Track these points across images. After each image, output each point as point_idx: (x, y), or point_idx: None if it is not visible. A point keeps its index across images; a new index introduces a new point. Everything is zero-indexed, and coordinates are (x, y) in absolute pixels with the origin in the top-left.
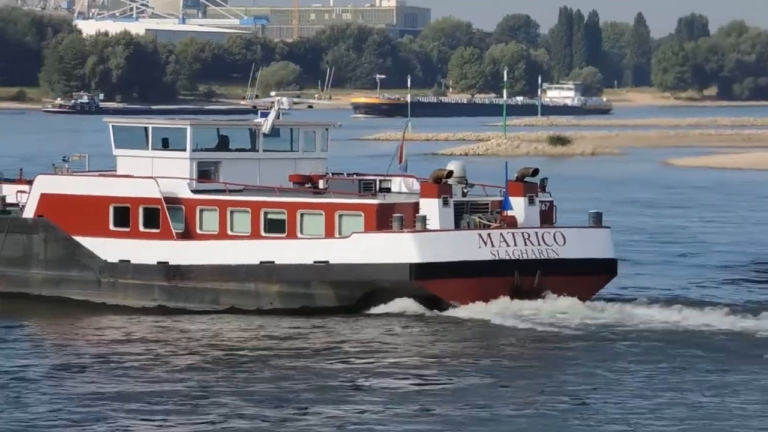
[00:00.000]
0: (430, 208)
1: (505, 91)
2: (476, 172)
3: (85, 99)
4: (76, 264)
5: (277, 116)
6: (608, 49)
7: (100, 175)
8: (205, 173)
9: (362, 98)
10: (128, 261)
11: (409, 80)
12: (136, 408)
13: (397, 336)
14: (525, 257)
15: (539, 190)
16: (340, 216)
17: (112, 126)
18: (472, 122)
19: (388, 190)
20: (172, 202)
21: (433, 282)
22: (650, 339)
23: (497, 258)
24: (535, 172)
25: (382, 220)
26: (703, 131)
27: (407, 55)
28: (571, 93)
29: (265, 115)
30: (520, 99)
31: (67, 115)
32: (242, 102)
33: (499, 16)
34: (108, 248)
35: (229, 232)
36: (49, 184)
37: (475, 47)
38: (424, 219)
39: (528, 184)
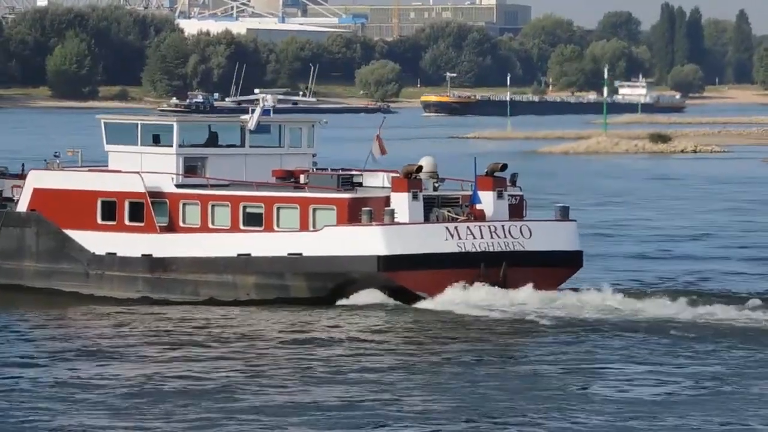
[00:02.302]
0: (400, 201)
1: (605, 89)
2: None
3: (199, 98)
4: (65, 257)
5: (265, 113)
6: (710, 47)
7: (89, 170)
8: (191, 168)
9: (432, 97)
10: (114, 254)
11: (508, 78)
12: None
13: (366, 326)
14: (491, 249)
15: (509, 184)
16: (314, 210)
17: (104, 122)
18: (563, 120)
19: (360, 184)
20: (157, 196)
21: (400, 273)
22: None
23: (463, 250)
24: (504, 167)
25: (354, 213)
26: None
27: (507, 53)
28: (643, 90)
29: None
30: (592, 97)
31: (183, 114)
32: (227, 99)
33: (600, 13)
34: (96, 241)
35: (210, 226)
36: (41, 179)
37: (575, 45)
38: (392, 212)
39: (497, 178)
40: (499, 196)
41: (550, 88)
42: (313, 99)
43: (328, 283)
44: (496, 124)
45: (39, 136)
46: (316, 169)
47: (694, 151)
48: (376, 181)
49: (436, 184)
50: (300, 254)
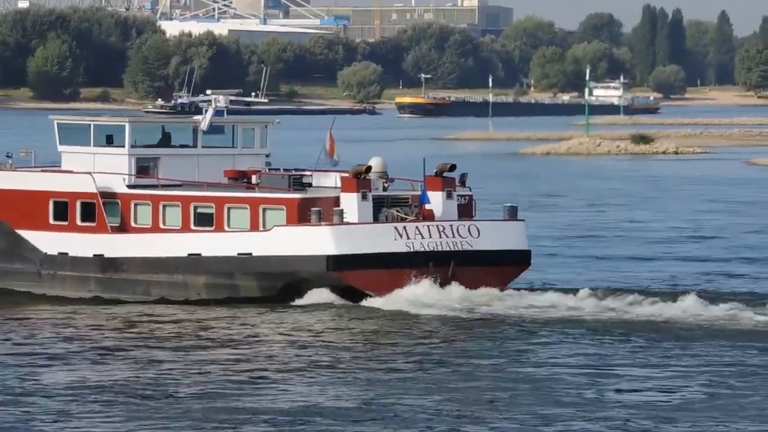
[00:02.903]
0: (350, 202)
1: (587, 90)
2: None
3: (184, 99)
4: (18, 257)
5: (219, 114)
6: (691, 48)
7: (41, 171)
8: (144, 169)
9: (407, 98)
10: (66, 254)
11: (490, 80)
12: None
13: (315, 325)
14: (439, 249)
15: (459, 184)
16: (264, 210)
17: (57, 123)
18: (536, 122)
19: (310, 185)
20: (108, 196)
21: (349, 273)
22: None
23: (412, 250)
24: (453, 167)
25: (304, 213)
26: None
27: (489, 55)
28: (618, 92)
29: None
30: (566, 98)
31: (167, 115)
32: (179, 100)
33: (582, 15)
34: (48, 241)
35: (162, 226)
36: None
37: (557, 46)
38: (341, 212)
39: (446, 179)
40: (448, 196)
41: (532, 89)
42: (266, 100)
43: (277, 282)
44: (471, 125)
45: (23, 137)
46: (269, 169)
47: (676, 153)
48: (329, 182)
49: (386, 184)
50: (250, 254)
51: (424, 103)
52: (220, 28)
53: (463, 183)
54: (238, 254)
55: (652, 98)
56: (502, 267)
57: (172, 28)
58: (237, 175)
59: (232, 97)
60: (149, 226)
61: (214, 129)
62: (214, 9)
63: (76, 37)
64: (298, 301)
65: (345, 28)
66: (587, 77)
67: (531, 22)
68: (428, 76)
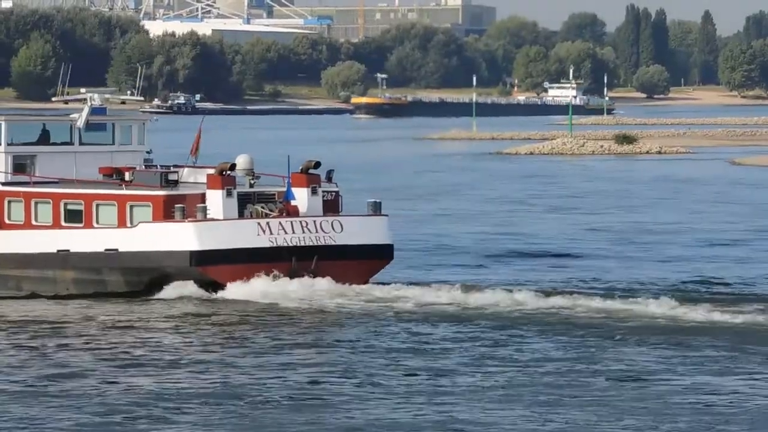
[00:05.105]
0: (214, 198)
1: (573, 90)
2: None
3: (181, 100)
4: None
5: (98, 111)
6: (675, 48)
7: None
8: (20, 166)
9: (363, 98)
10: None
11: (474, 79)
12: None
13: (176, 318)
14: (302, 244)
15: (326, 180)
16: (131, 207)
17: None
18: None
19: (176, 182)
20: None
21: (212, 268)
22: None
23: (275, 245)
24: (317, 164)
25: (169, 210)
26: None
27: (473, 55)
28: (573, 92)
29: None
30: (522, 98)
31: (164, 115)
32: (53, 99)
33: (565, 14)
34: None
35: (34, 223)
36: None
37: (540, 46)
38: (204, 209)
39: (311, 175)
40: (313, 192)
41: (516, 89)
42: (141, 98)
43: (143, 277)
44: (430, 126)
45: None
46: (147, 166)
47: (659, 153)
48: (203, 178)
49: (252, 181)
50: (116, 250)
51: (380, 103)
52: (204, 28)
53: (329, 179)
54: (106, 250)
55: (607, 98)
56: (365, 261)
57: (155, 28)
58: (111, 172)
59: (107, 95)
60: (22, 223)
61: (95, 127)
62: (197, 9)
63: (59, 37)
64: (162, 295)
65: (329, 28)
66: (570, 77)
67: (514, 21)
68: (384, 76)
